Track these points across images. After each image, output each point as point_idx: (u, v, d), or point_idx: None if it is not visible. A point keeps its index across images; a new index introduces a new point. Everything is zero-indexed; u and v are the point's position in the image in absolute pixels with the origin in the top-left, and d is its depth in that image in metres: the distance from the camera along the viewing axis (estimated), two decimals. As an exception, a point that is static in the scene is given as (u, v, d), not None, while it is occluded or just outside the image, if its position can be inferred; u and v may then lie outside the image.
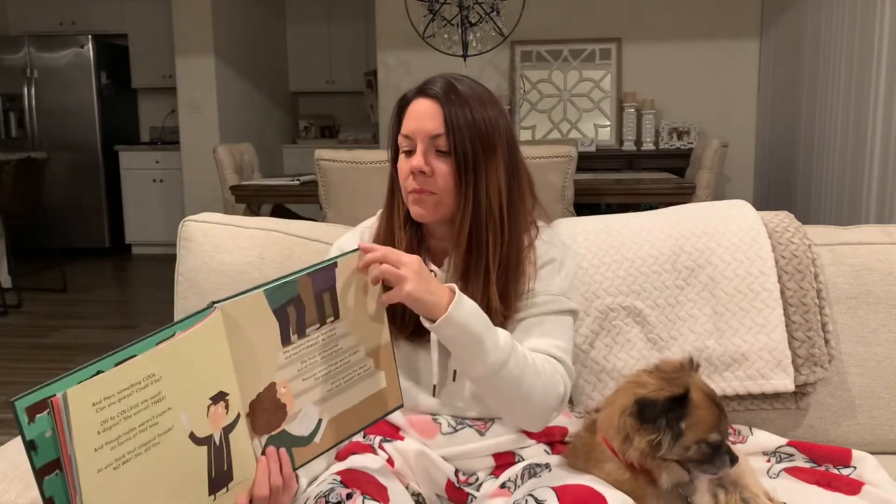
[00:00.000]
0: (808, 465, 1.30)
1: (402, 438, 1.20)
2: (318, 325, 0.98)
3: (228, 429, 0.89)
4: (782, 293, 1.38)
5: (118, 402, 0.78)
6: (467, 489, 1.17)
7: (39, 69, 6.53)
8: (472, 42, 4.38)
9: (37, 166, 4.94)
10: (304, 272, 0.96)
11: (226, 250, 1.47)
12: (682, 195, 3.37)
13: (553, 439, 1.22)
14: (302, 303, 0.96)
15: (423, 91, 1.18)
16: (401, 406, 1.10)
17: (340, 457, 1.18)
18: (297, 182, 3.53)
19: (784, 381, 1.35)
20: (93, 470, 0.76)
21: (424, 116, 1.15)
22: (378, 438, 1.20)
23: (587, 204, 3.88)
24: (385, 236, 1.24)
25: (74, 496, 0.76)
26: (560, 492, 0.97)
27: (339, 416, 1.02)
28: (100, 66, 6.59)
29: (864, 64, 3.32)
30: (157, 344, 0.83)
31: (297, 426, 0.98)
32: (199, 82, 6.00)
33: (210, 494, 0.88)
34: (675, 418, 1.01)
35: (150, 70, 6.83)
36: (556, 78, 5.57)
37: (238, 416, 0.91)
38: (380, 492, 1.04)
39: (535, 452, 1.19)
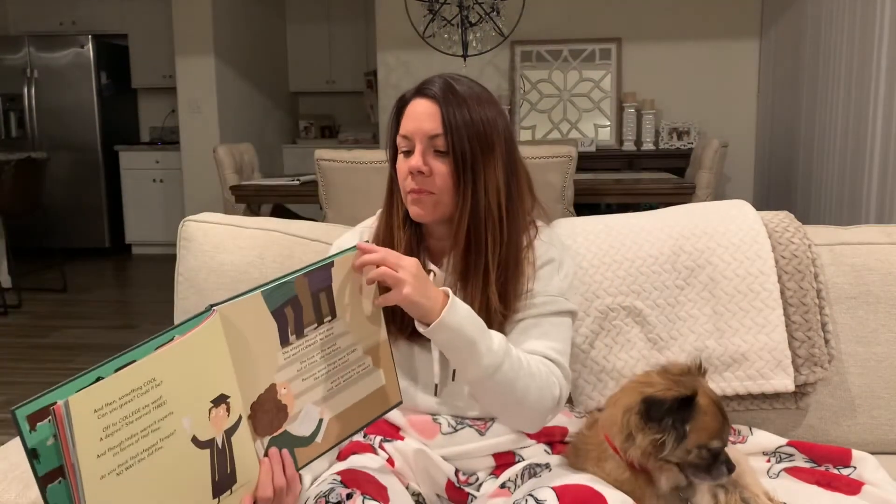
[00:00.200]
0: (808, 465, 1.30)
1: (402, 438, 1.20)
2: (315, 325, 0.98)
3: (230, 431, 0.89)
4: (782, 293, 1.38)
5: (119, 407, 0.77)
6: (467, 489, 1.17)
7: (39, 69, 6.53)
8: (472, 42, 4.38)
9: (37, 166, 4.94)
10: (301, 272, 0.96)
11: (226, 250, 1.47)
12: (682, 195, 3.36)
13: (553, 439, 1.22)
14: (299, 303, 0.96)
15: (421, 91, 1.18)
16: (400, 403, 1.10)
17: (341, 456, 1.18)
18: (297, 182, 3.53)
19: (784, 381, 1.35)
20: (96, 476, 0.76)
21: (423, 117, 1.15)
22: (378, 438, 1.20)
23: (587, 204, 3.88)
24: (384, 236, 1.24)
25: (78, 503, 0.76)
26: (560, 492, 0.97)
27: (340, 416, 1.02)
28: (100, 66, 6.59)
29: (864, 64, 3.32)
30: (156, 349, 0.83)
31: (299, 426, 0.98)
32: (199, 82, 6.00)
33: (214, 498, 0.88)
34: (680, 420, 1.01)
35: (150, 70, 6.83)
36: (556, 78, 5.57)
37: (240, 418, 0.91)
38: (380, 492, 1.04)
39: (535, 452, 1.19)
